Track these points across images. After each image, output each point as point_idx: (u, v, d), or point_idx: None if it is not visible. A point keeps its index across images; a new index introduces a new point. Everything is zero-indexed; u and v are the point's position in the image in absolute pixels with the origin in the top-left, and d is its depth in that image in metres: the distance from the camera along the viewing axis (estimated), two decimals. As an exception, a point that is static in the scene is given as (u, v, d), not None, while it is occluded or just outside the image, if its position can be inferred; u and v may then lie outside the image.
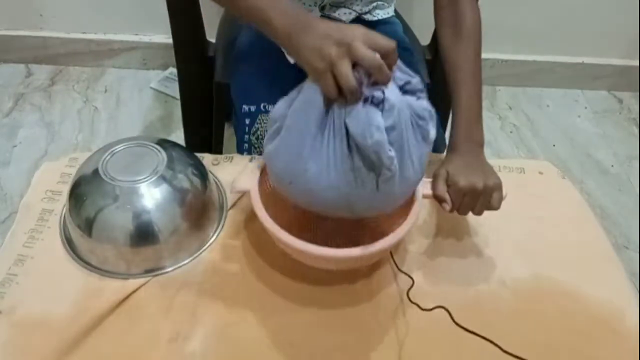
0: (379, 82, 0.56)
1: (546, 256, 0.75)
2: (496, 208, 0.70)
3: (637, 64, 1.90)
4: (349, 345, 0.65)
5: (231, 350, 0.63)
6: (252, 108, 0.94)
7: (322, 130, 0.58)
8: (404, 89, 0.60)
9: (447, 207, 0.69)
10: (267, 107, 0.93)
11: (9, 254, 0.70)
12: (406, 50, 1.02)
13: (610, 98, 1.96)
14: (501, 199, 0.70)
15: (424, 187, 0.70)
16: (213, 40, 1.21)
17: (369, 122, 0.56)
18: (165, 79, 1.86)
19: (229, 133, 1.08)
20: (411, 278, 0.69)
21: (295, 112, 0.60)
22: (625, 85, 1.95)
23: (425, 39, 1.21)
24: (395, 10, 1.10)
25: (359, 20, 1.01)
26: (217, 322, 0.65)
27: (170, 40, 1.12)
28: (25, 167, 1.51)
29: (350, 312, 0.68)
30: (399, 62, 0.59)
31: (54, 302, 0.66)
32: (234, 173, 0.82)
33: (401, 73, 0.60)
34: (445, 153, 0.76)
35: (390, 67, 0.57)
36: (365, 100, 0.56)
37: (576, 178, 1.62)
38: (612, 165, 1.69)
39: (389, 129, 0.57)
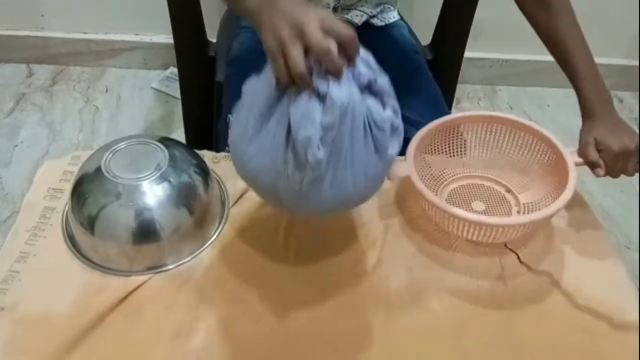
0: (329, 72, 0.52)
1: (547, 255, 0.75)
2: None
3: (638, 63, 1.91)
4: (348, 339, 0.65)
5: (234, 347, 0.63)
6: None
7: (269, 114, 0.55)
8: (369, 89, 0.56)
9: (601, 172, 0.71)
10: None
11: (11, 251, 0.71)
12: (417, 53, 1.01)
13: (611, 98, 1.97)
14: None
15: (573, 156, 0.75)
16: (214, 40, 1.22)
17: (306, 114, 0.52)
18: (166, 79, 1.87)
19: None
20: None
21: (248, 90, 0.58)
22: (625, 85, 1.96)
23: (425, 39, 1.21)
24: (398, 11, 1.10)
25: (368, 24, 1.01)
26: (219, 319, 0.65)
27: (171, 40, 1.12)
28: (26, 167, 1.52)
29: (354, 306, 0.68)
30: (368, 58, 0.56)
31: (56, 299, 0.66)
32: (235, 171, 0.82)
33: (367, 69, 0.55)
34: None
35: (350, 59, 0.53)
36: (314, 91, 0.52)
37: (577, 178, 1.62)
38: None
39: (326, 128, 0.52)
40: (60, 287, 0.67)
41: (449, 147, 0.85)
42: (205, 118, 1.16)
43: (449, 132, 0.84)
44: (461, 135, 0.85)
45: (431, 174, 0.83)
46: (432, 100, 0.93)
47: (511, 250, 0.75)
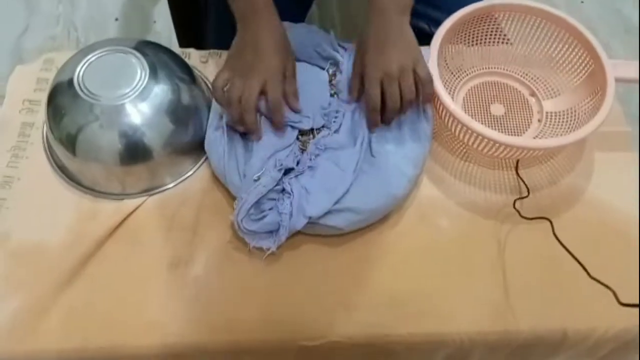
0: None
1: (568, 166, 0.70)
2: (429, 92, 0.62)
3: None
4: (354, 258, 0.63)
5: (235, 271, 0.61)
6: None
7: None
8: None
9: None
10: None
11: (-6, 176, 0.66)
12: None
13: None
14: (428, 75, 0.62)
15: (615, 70, 0.65)
16: None
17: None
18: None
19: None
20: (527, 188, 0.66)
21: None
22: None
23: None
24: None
25: None
26: (219, 242, 0.63)
27: None
28: (6, 46, 1.41)
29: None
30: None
31: (48, 227, 0.63)
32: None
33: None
34: None
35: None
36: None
37: (602, 40, 1.49)
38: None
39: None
40: (51, 215, 0.64)
41: (476, 38, 0.75)
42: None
43: (478, 22, 0.73)
44: (493, 25, 0.74)
45: (448, 68, 0.74)
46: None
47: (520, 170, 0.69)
